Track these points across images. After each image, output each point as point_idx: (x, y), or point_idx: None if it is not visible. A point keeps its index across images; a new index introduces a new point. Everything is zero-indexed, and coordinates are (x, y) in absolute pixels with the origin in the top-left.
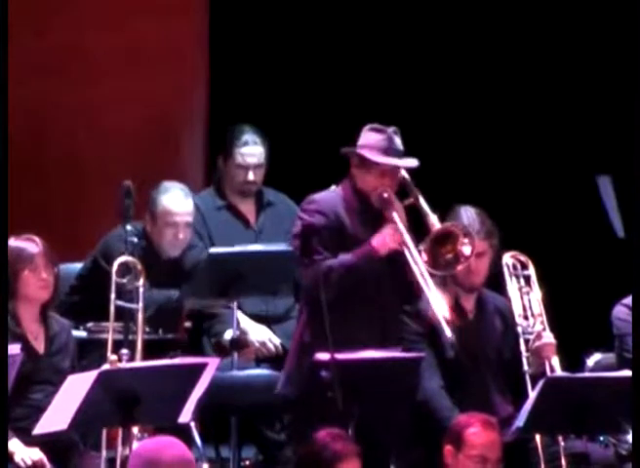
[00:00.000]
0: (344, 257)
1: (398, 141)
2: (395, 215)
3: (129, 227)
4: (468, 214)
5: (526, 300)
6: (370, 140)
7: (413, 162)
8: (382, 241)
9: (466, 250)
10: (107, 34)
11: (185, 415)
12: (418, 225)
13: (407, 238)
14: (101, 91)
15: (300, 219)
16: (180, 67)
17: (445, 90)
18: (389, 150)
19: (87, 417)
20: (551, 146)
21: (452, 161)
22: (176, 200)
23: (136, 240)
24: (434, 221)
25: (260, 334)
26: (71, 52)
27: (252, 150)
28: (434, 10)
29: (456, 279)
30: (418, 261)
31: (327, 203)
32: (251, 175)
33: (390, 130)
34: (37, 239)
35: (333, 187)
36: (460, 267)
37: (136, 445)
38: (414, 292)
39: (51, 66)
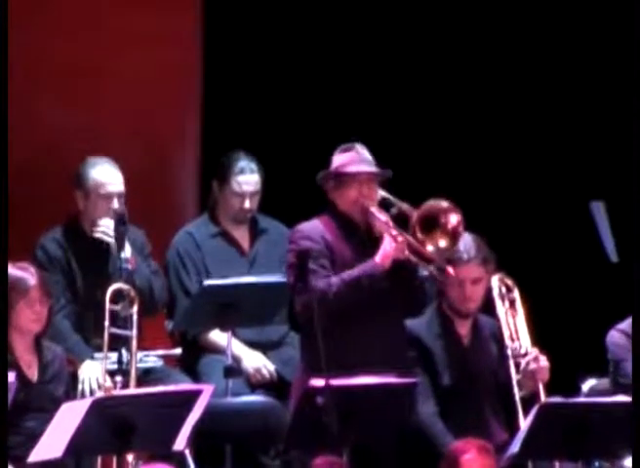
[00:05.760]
0: (347, 274)
1: (366, 153)
2: (381, 216)
3: (123, 255)
4: (465, 241)
5: (512, 323)
6: (339, 160)
7: (386, 171)
8: (384, 253)
9: (453, 219)
10: (102, 60)
11: (180, 442)
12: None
13: (407, 238)
14: (95, 115)
15: (290, 251)
16: (172, 92)
17: (440, 112)
18: (360, 161)
19: (81, 445)
20: (545, 172)
21: (447, 185)
22: (106, 171)
23: (130, 267)
24: (415, 213)
25: (255, 361)
26: (67, 74)
27: (248, 178)
28: (421, 22)
29: (451, 305)
30: (424, 253)
31: (312, 229)
32: (247, 204)
33: (357, 145)
34: (32, 269)
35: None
36: (459, 240)
37: None
38: (410, 309)
39: (45, 87)
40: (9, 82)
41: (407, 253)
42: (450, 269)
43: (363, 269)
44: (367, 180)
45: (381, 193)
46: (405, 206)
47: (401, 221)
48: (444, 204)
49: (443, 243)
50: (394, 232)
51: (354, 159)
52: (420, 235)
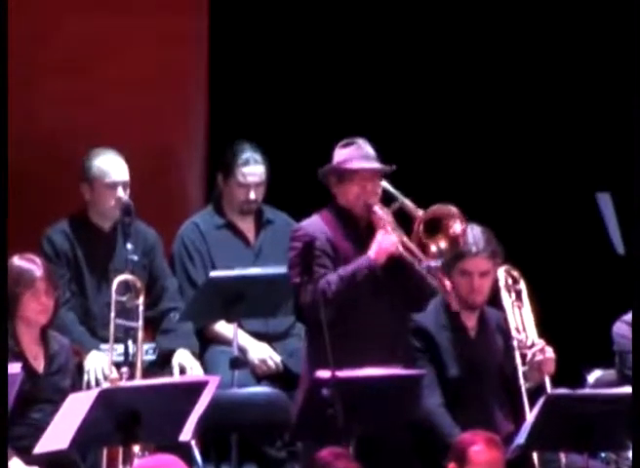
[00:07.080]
0: (343, 270)
1: (369, 148)
2: (382, 214)
3: (129, 246)
4: (474, 233)
5: (518, 315)
6: (342, 155)
7: (389, 166)
8: (378, 248)
9: (457, 227)
10: (112, 56)
11: (186, 434)
12: (408, 231)
13: (401, 237)
14: (102, 109)
15: (292, 249)
16: (179, 86)
17: (446, 105)
18: (363, 157)
19: (87, 436)
20: (551, 163)
21: (453, 177)
22: (110, 160)
23: (136, 258)
24: (420, 213)
25: (261, 352)
26: (71, 73)
27: (253, 169)
28: (425, 17)
29: (458, 297)
30: (417, 255)
31: (313, 226)
32: (252, 194)
33: (359, 140)
34: (39, 260)
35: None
36: (460, 246)
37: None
38: (415, 306)
39: (48, 89)
40: (8, 82)
41: (401, 249)
42: (447, 282)
43: (358, 265)
44: (370, 176)
45: (384, 184)
46: (409, 203)
47: (401, 216)
48: (452, 209)
49: (443, 244)
50: (389, 228)
51: (356, 155)
52: (422, 237)
